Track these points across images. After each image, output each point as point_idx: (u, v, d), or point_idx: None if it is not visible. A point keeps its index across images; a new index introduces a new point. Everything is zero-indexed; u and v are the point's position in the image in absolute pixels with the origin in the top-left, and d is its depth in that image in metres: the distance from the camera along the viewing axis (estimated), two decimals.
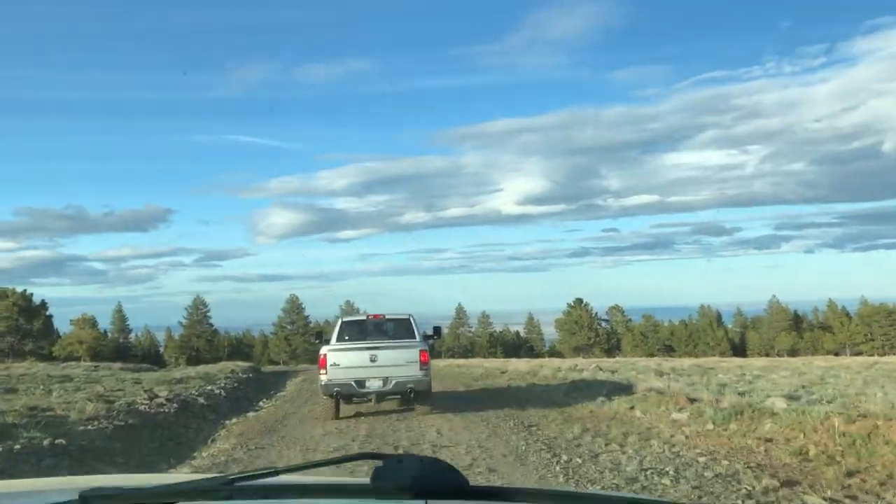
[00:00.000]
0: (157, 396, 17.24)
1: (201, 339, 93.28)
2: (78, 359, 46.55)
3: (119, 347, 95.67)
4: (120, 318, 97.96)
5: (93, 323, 60.22)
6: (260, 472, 1.79)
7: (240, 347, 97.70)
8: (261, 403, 21.04)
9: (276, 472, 1.78)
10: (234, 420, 16.30)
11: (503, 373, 29.27)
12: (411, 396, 14.85)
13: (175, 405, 16.79)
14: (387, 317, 16.00)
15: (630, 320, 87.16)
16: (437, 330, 17.09)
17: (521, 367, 31.69)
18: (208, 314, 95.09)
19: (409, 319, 15.45)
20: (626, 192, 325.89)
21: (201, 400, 18.95)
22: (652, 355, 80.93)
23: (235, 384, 26.74)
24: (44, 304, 47.92)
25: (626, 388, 18.79)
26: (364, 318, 16.21)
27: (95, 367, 39.21)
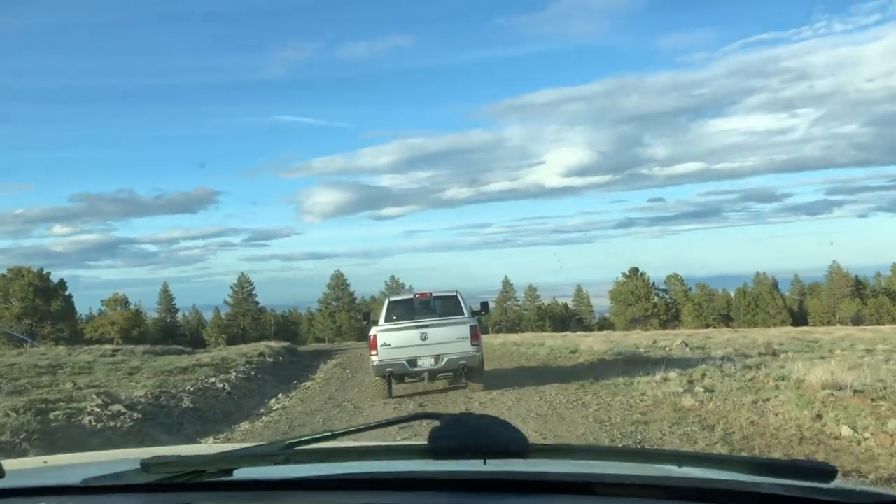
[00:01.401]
0: (116, 402, 12.02)
1: (247, 317, 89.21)
2: (110, 341, 41.84)
3: (167, 327, 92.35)
4: (166, 298, 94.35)
5: (125, 303, 55.93)
6: (317, 435, 1.75)
7: (286, 325, 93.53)
8: (271, 403, 15.76)
9: (334, 436, 1.76)
10: (209, 440, 10.98)
11: (573, 353, 23.70)
12: (464, 373, 14.25)
13: (138, 414, 11.58)
14: (434, 294, 15.36)
15: (689, 290, 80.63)
16: (484, 305, 16.68)
17: (593, 345, 25.94)
18: (253, 292, 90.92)
19: (456, 296, 14.93)
20: (671, 160, 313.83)
21: (187, 402, 13.73)
22: (708, 326, 74.63)
23: (254, 371, 21.70)
24: (62, 284, 43.45)
25: (775, 378, 13.08)
26: (411, 296, 15.62)
27: (115, 350, 34.50)
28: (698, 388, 12.54)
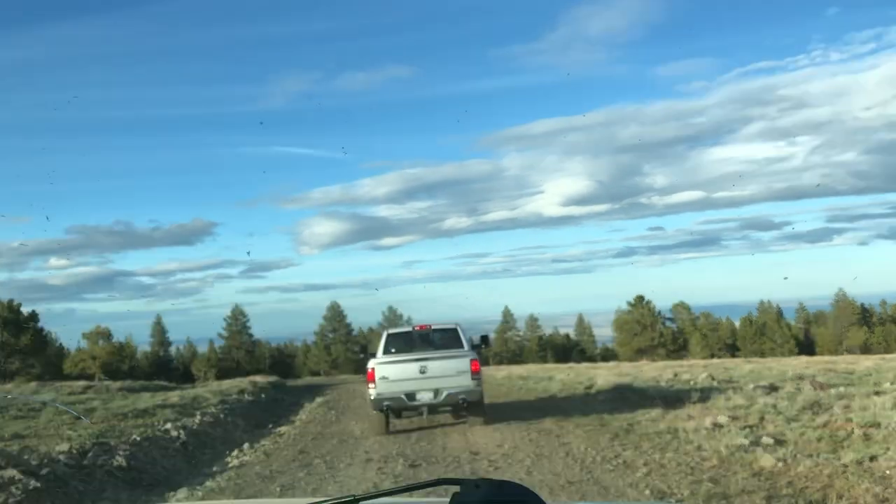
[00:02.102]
0: (16, 464, 9.07)
1: (241, 350, 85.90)
2: (91, 377, 38.77)
3: (159, 361, 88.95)
4: (159, 330, 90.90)
5: (107, 335, 52.82)
6: (337, 499, 1.74)
7: (281, 358, 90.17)
8: (230, 457, 12.76)
9: (355, 500, 1.73)
10: None
11: (588, 388, 20.74)
12: (464, 407, 13.78)
13: (37, 482, 8.64)
14: (433, 327, 14.90)
15: (697, 318, 77.52)
16: (484, 339, 16.07)
17: (608, 378, 22.98)
18: (248, 324, 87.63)
19: (456, 329, 14.53)
20: (670, 189, 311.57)
21: (120, 458, 10.77)
22: (713, 356, 71.51)
23: (226, 413, 18.75)
24: (34, 316, 40.33)
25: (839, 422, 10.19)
26: (410, 329, 15.24)
27: (87, 387, 31.50)
28: (766, 439, 9.66)
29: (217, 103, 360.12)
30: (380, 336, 15.85)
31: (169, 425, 14.59)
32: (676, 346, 69.82)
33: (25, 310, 39.30)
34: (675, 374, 24.13)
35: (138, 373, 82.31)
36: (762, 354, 77.21)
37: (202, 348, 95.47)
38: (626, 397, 17.10)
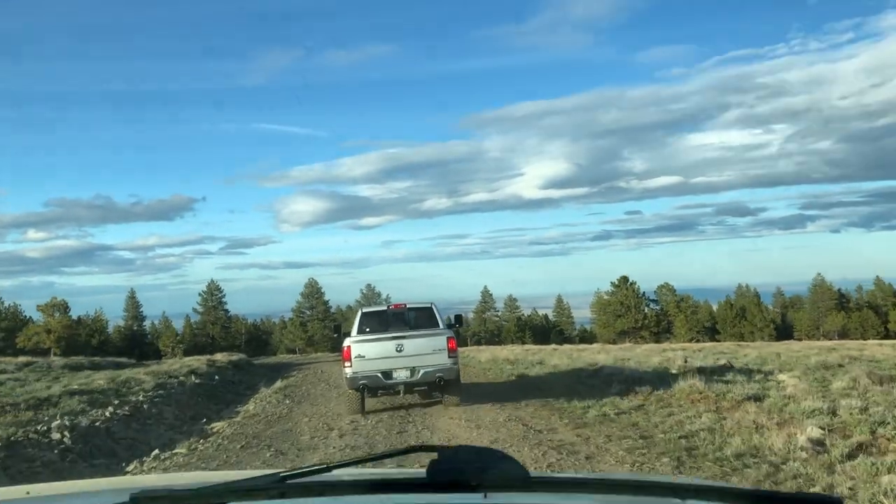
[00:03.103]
0: None
1: (216, 326, 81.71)
2: (45, 351, 34.52)
3: (133, 336, 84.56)
4: (133, 305, 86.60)
5: (64, 308, 48.32)
6: (312, 468, 1.65)
7: (257, 334, 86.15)
8: (127, 472, 8.85)
9: (329, 468, 1.67)
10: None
11: (592, 375, 17.00)
12: (440, 386, 13.00)
13: None
14: (408, 306, 14.16)
15: (682, 300, 73.97)
16: (458, 318, 15.07)
17: (605, 360, 19.25)
18: (223, 300, 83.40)
19: (431, 308, 13.94)
20: (649, 173, 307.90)
21: None
22: (694, 340, 68.36)
23: (160, 399, 15.02)
24: None
25: None
26: (384, 308, 14.36)
27: (27, 363, 27.47)
28: None
29: (199, 79, 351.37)
30: (354, 314, 15.04)
31: (56, 423, 10.62)
32: (660, 329, 66.38)
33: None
34: (686, 361, 20.43)
35: (109, 347, 77.78)
36: (742, 338, 74.23)
37: (179, 323, 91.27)
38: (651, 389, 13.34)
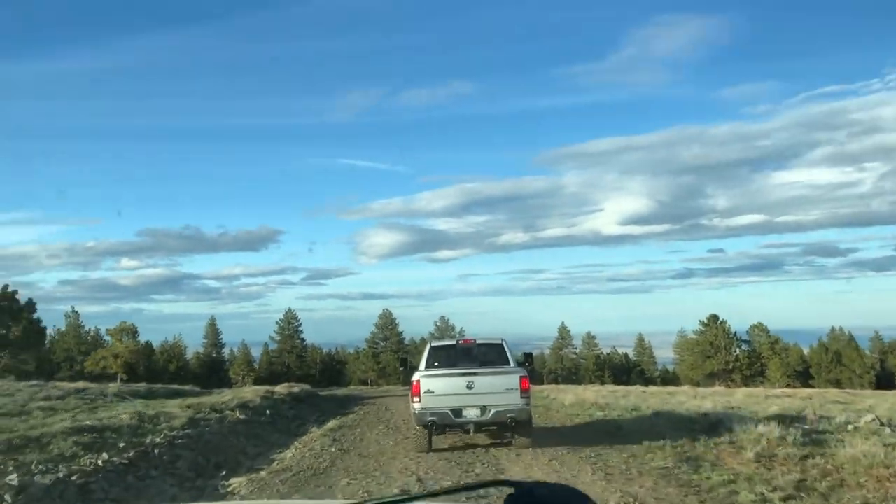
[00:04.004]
0: None
1: (292, 354, 79.97)
2: (113, 376, 32.64)
3: (212, 363, 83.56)
4: (213, 332, 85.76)
5: (133, 333, 46.80)
6: (390, 499, 1.67)
7: (332, 364, 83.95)
8: None
9: (409, 499, 1.70)
10: None
11: (701, 414, 13.35)
12: (511, 427, 12.21)
13: None
14: (478, 341, 13.48)
15: (777, 341, 68.04)
16: (528, 356, 14.39)
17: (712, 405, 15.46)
18: (300, 329, 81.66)
19: (501, 344, 13.14)
20: (732, 211, 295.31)
21: None
22: (789, 385, 62.47)
23: (177, 444, 12.02)
24: (30, 306, 33.70)
25: None
26: (454, 342, 13.75)
27: (79, 390, 25.32)
28: None
29: (286, 115, 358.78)
30: (423, 348, 14.24)
31: (11, 477, 7.79)
32: (753, 372, 60.87)
33: (22, 297, 33.26)
34: (814, 411, 16.49)
35: (186, 374, 76.98)
36: (838, 384, 67.88)
37: (257, 352, 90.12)
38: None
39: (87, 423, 12.95)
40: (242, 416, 17.36)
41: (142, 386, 30.70)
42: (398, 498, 1.66)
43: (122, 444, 11.11)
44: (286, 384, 31.19)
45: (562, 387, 42.14)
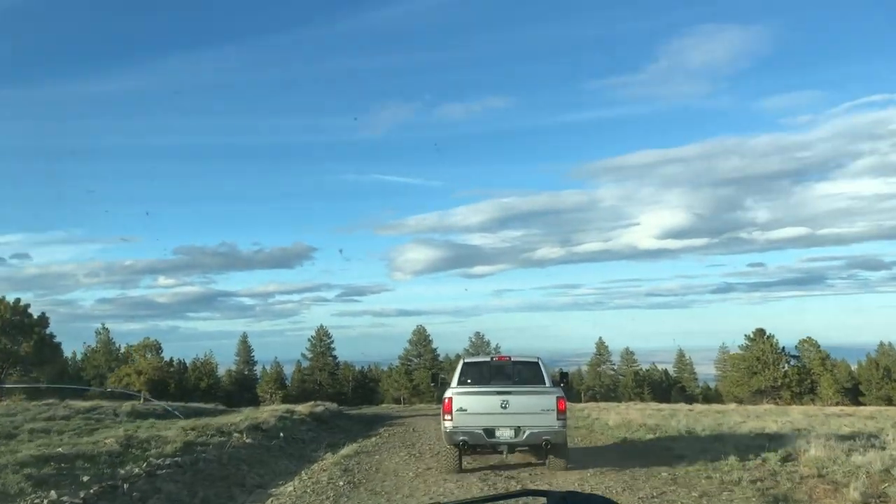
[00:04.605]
0: None
1: (324, 372, 78.25)
2: (135, 396, 31.08)
3: (244, 380, 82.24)
4: (245, 349, 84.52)
5: (156, 349, 45.35)
6: None
7: (364, 382, 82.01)
8: None
9: None
10: None
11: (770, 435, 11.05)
12: (547, 449, 11.60)
13: None
14: (513, 359, 12.66)
15: (828, 357, 64.51)
16: (564, 375, 13.77)
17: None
18: (332, 346, 79.95)
19: (537, 363, 12.29)
20: (773, 224, 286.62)
21: None
22: (837, 403, 58.96)
23: (147, 478, 10.10)
24: (43, 320, 32.19)
25: None
26: (488, 359, 13.12)
27: (91, 408, 23.77)
28: None
29: (319, 132, 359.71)
30: (455, 365, 13.40)
31: None
32: (802, 389, 57.50)
33: (35, 311, 31.82)
34: None
35: (218, 391, 75.72)
36: (890, 401, 64.12)
37: (290, 369, 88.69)
38: None
39: (60, 449, 11.10)
40: (249, 440, 15.43)
41: (162, 404, 29.06)
42: None
43: (86, 478, 9.21)
44: (309, 403, 29.27)
45: (602, 405, 39.65)
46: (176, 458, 11.71)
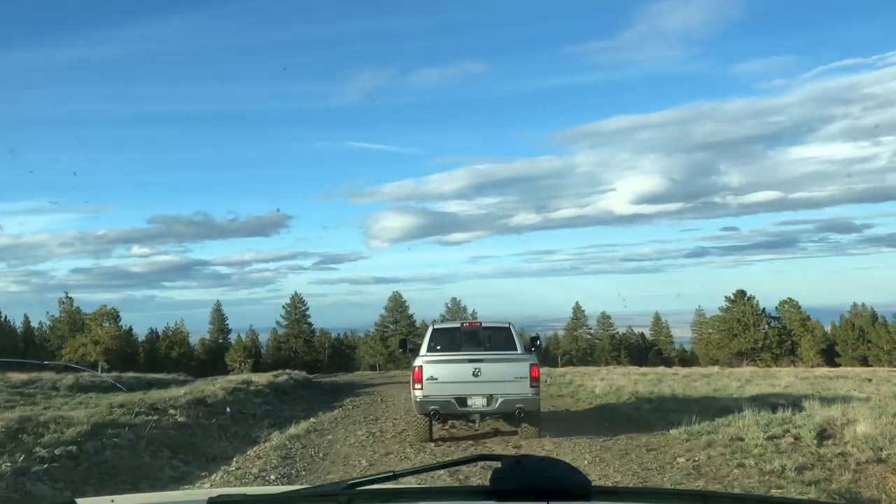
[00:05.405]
0: None
1: (299, 339, 75.83)
2: (93, 365, 28.34)
3: (217, 348, 79.61)
4: (218, 317, 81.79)
5: (114, 317, 42.50)
6: (378, 476, 1.66)
7: (341, 349, 79.74)
8: None
9: (395, 476, 1.67)
10: None
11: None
12: (519, 417, 11.05)
13: None
14: (483, 325, 12.46)
15: (808, 317, 62.96)
16: (535, 340, 13.43)
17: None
18: (307, 313, 77.49)
19: (508, 328, 12.06)
20: (746, 188, 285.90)
21: None
22: (818, 364, 57.67)
23: (13, 477, 7.45)
24: None
25: None
26: (458, 325, 12.84)
27: (27, 382, 21.28)
28: None
29: (294, 99, 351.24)
30: (425, 332, 12.68)
31: None
32: (783, 350, 55.96)
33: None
34: None
35: (190, 361, 73.00)
36: (865, 362, 63.12)
37: (266, 337, 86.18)
38: None
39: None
40: (183, 419, 12.95)
41: (106, 377, 26.36)
42: (383, 475, 1.63)
43: None
44: (271, 373, 26.81)
45: (581, 369, 37.63)
46: (71, 447, 9.22)
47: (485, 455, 1.65)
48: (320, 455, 9.97)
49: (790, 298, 61.35)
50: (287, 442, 11.14)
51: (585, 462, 8.54)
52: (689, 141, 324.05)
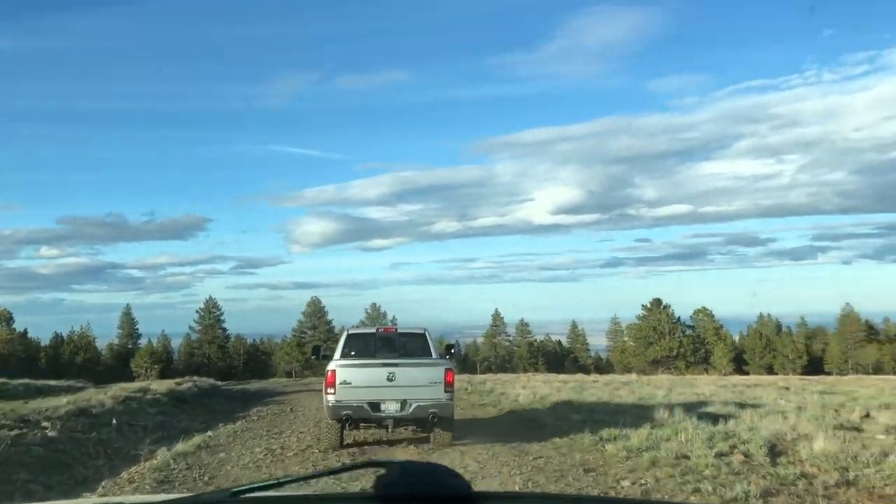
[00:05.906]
0: None
1: (213, 345, 72.62)
2: (26, 370, 25.43)
3: (126, 353, 75.46)
4: (128, 322, 77.70)
5: (7, 320, 39.17)
6: (263, 483, 1.61)
7: (256, 355, 76.83)
8: None
9: (280, 484, 1.61)
10: None
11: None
12: (433, 423, 10.79)
13: None
14: (399, 331, 12.35)
15: (721, 326, 64.07)
16: (450, 348, 13.08)
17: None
18: (221, 318, 74.28)
19: (424, 335, 11.89)
20: (659, 201, 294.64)
21: None
22: (729, 373, 58.75)
23: None
24: None
25: None
26: (373, 331, 12.59)
27: None
28: None
29: (214, 100, 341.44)
30: (339, 337, 12.67)
31: None
32: (697, 358, 56.63)
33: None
34: (867, 412, 11.30)
35: (96, 366, 68.82)
36: (771, 370, 64.86)
37: (179, 342, 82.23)
38: None
39: None
40: (53, 434, 11.11)
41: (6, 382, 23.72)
42: (273, 481, 1.59)
43: None
44: (173, 380, 24.74)
45: (501, 376, 36.66)
46: None
47: (371, 461, 1.61)
48: (205, 478, 8.41)
49: (704, 308, 62.44)
50: (172, 461, 9.51)
51: (517, 487, 7.30)
52: (606, 154, 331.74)
